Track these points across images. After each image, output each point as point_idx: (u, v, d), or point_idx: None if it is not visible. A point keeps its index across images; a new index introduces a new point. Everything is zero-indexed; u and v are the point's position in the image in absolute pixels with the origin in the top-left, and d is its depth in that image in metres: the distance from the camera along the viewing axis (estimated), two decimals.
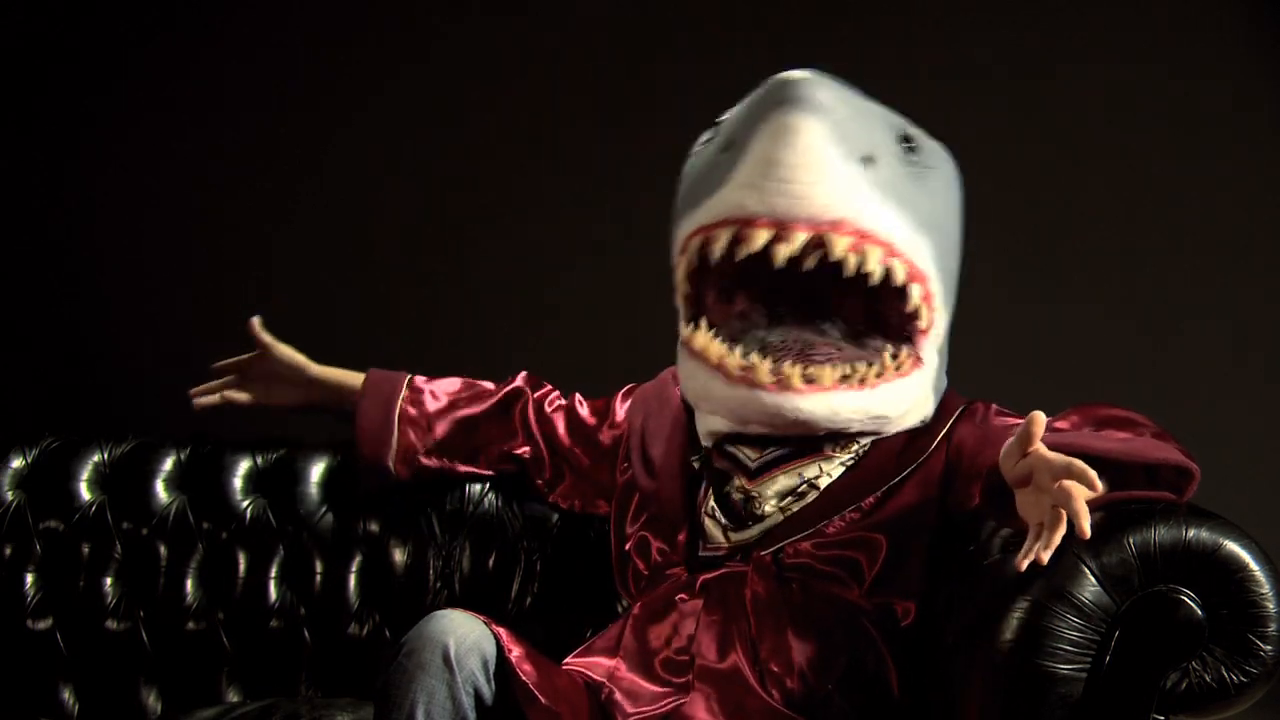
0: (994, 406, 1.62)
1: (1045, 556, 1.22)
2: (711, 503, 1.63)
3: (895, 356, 1.57)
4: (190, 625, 1.94)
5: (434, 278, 2.81)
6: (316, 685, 1.93)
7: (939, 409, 1.64)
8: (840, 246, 1.46)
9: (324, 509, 1.98)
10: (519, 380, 1.91)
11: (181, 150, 2.86)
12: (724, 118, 1.60)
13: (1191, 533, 1.24)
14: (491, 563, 1.94)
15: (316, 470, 2.00)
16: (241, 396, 1.97)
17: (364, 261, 2.82)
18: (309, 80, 2.84)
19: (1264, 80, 2.56)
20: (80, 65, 2.88)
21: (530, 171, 2.75)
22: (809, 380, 1.51)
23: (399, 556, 1.95)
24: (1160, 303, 2.60)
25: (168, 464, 2.02)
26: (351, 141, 2.82)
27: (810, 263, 1.48)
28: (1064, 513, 1.21)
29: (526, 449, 1.88)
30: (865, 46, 2.65)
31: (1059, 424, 1.44)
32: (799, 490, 1.58)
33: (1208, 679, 1.24)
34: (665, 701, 1.48)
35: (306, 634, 1.94)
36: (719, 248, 1.51)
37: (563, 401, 1.89)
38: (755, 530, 1.58)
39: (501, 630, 1.41)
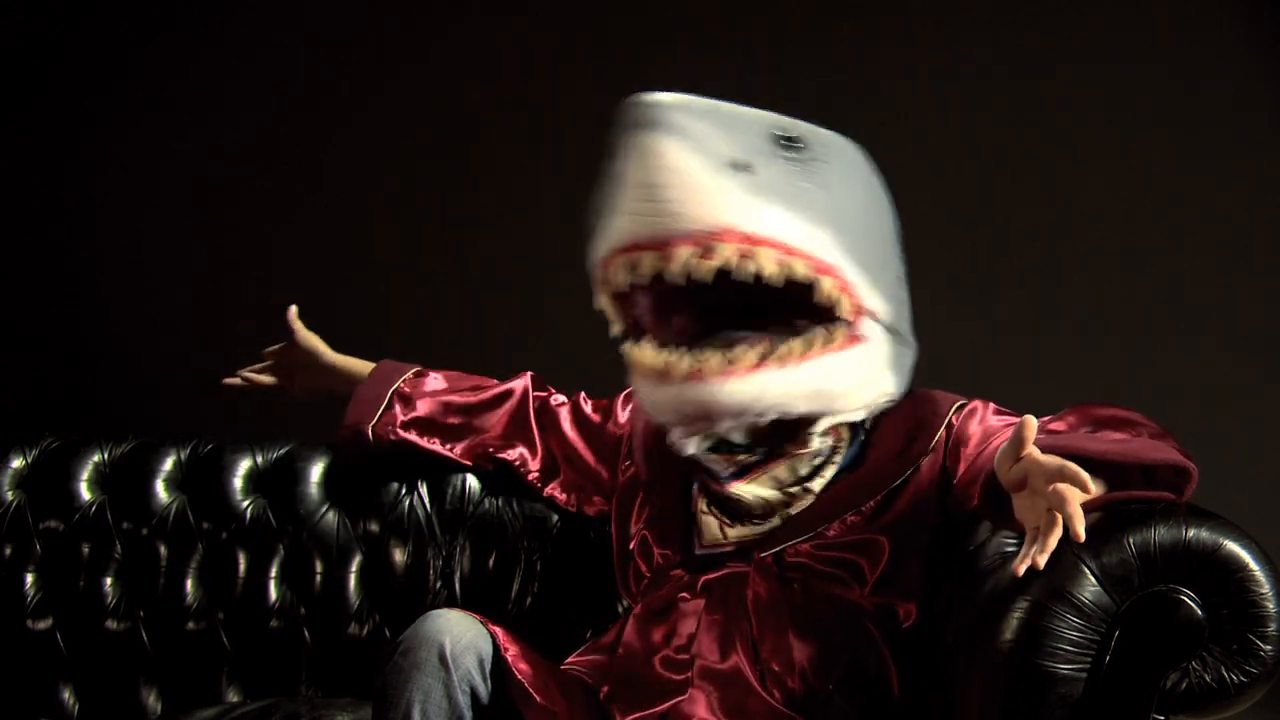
0: (992, 405, 1.62)
1: (1041, 561, 1.22)
2: (703, 503, 1.63)
3: (827, 335, 1.54)
4: (190, 625, 1.95)
5: (434, 278, 2.81)
6: (316, 685, 1.93)
7: (935, 408, 1.63)
8: (726, 252, 1.45)
9: (324, 509, 1.98)
10: (523, 378, 1.93)
11: (181, 150, 2.86)
12: None
13: (1191, 533, 1.24)
14: (491, 563, 1.94)
15: (316, 470, 2.00)
16: (264, 380, 2.00)
17: (364, 261, 2.82)
18: (309, 80, 2.84)
19: (1264, 80, 2.56)
20: (80, 65, 2.88)
21: (530, 171, 2.75)
22: (729, 363, 1.49)
23: (399, 556, 1.95)
24: (1160, 303, 2.59)
25: (168, 464, 2.02)
26: (351, 141, 2.82)
27: (705, 274, 1.46)
28: (1059, 516, 1.21)
29: (517, 447, 1.89)
30: (865, 46, 2.65)
31: (1056, 425, 1.44)
32: (789, 491, 1.58)
33: (1208, 679, 1.24)
34: (665, 701, 1.48)
35: (306, 634, 1.94)
36: (620, 277, 1.51)
37: (566, 399, 1.90)
38: (753, 527, 1.58)
39: (498, 629, 1.41)
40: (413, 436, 1.91)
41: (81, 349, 2.89)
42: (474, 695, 1.37)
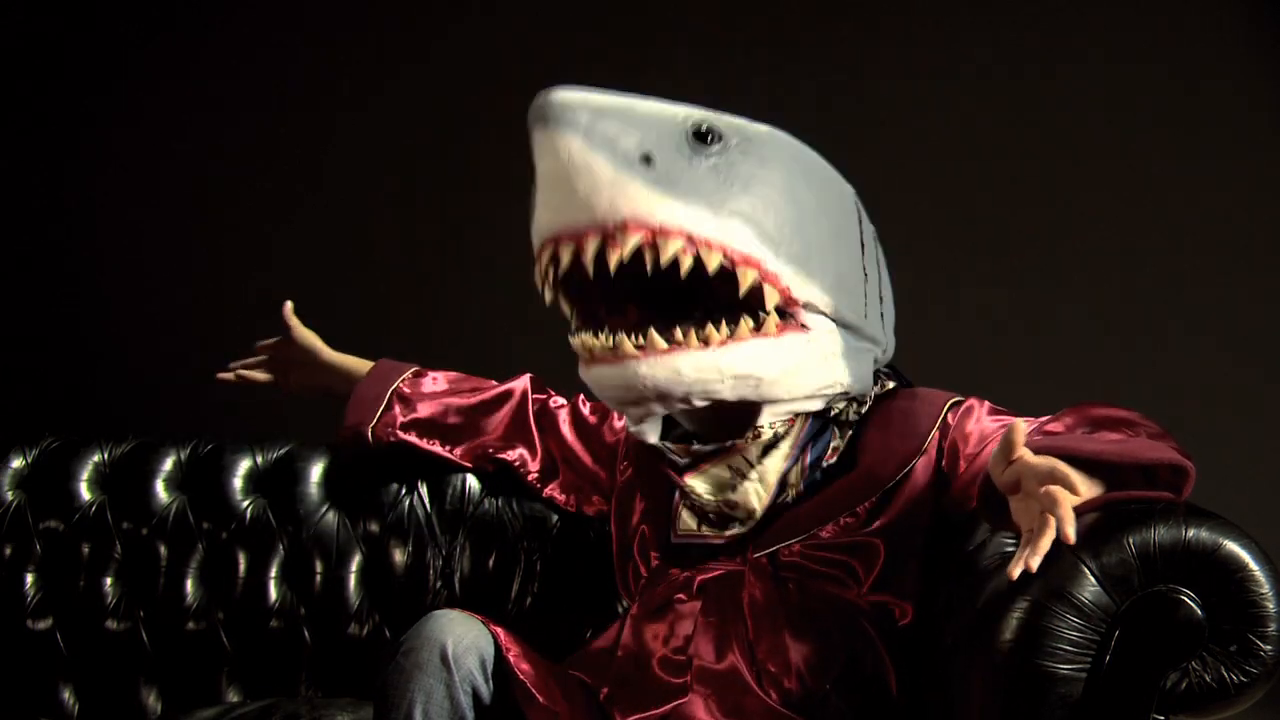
0: (987, 404, 1.61)
1: (1035, 563, 1.22)
2: (679, 494, 1.64)
3: (755, 322, 1.53)
4: (190, 625, 1.94)
5: (434, 278, 2.81)
6: (316, 685, 1.93)
7: (928, 407, 1.62)
8: (630, 244, 1.45)
9: (324, 509, 1.98)
10: (522, 379, 1.93)
11: (181, 150, 2.86)
12: None
13: (1191, 532, 1.24)
14: (491, 563, 1.94)
15: (316, 470, 2.00)
16: (259, 376, 2.00)
17: (364, 261, 2.82)
18: (309, 80, 2.84)
19: (1264, 80, 2.56)
20: (80, 65, 2.88)
21: (530, 171, 2.74)
22: (639, 346, 1.48)
23: (399, 556, 1.95)
24: (1160, 303, 2.60)
25: (168, 464, 2.02)
26: (351, 141, 2.82)
27: (613, 264, 1.46)
28: (1051, 518, 1.21)
29: (517, 448, 1.89)
30: (865, 46, 2.66)
31: (1054, 425, 1.43)
32: (734, 484, 1.57)
33: (1208, 679, 1.24)
34: (665, 704, 1.48)
35: (306, 634, 1.94)
36: (550, 270, 1.52)
37: (565, 401, 1.91)
38: (733, 527, 1.58)
39: (499, 630, 1.41)
40: (413, 438, 1.91)
41: (81, 349, 2.89)
42: (476, 696, 1.37)
